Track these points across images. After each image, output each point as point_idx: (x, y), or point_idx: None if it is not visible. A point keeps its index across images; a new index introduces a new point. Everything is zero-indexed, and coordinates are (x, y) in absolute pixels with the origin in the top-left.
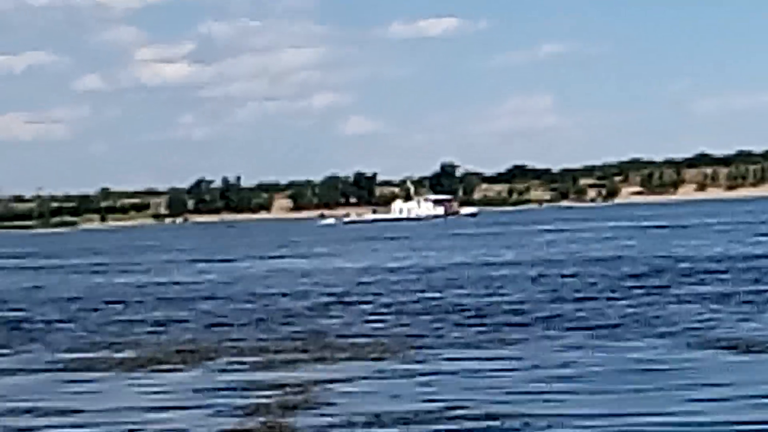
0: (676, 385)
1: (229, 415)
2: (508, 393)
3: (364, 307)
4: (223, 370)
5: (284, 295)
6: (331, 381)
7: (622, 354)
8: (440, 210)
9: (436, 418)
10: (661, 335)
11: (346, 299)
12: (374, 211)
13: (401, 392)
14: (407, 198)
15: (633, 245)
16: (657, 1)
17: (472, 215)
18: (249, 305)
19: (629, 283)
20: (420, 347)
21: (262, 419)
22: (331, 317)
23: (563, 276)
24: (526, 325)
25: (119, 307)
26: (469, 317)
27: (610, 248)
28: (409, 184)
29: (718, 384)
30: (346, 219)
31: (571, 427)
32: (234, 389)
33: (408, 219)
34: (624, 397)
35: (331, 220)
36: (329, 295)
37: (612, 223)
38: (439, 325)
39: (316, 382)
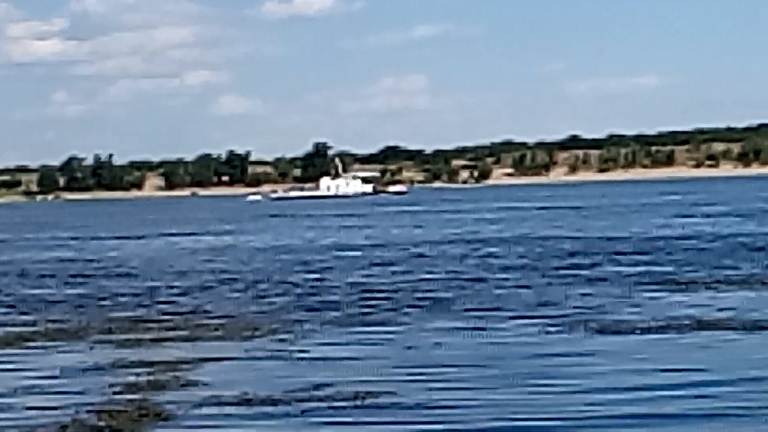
0: (529, 368)
1: (98, 393)
2: (378, 372)
3: (254, 286)
4: (92, 348)
5: (169, 273)
6: (202, 360)
7: (497, 336)
8: (369, 188)
9: (304, 397)
10: (542, 317)
11: (236, 277)
12: (302, 188)
13: (271, 371)
14: (336, 175)
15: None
16: None
17: (401, 193)
18: (134, 283)
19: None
20: (295, 327)
21: (130, 397)
22: (212, 296)
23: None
24: (414, 306)
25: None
26: (356, 298)
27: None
28: (337, 161)
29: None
30: (273, 195)
31: (439, 406)
32: (102, 368)
33: (336, 196)
34: (488, 377)
35: (257, 197)
36: (222, 272)
37: (540, 204)
38: (321, 305)
39: (186, 361)
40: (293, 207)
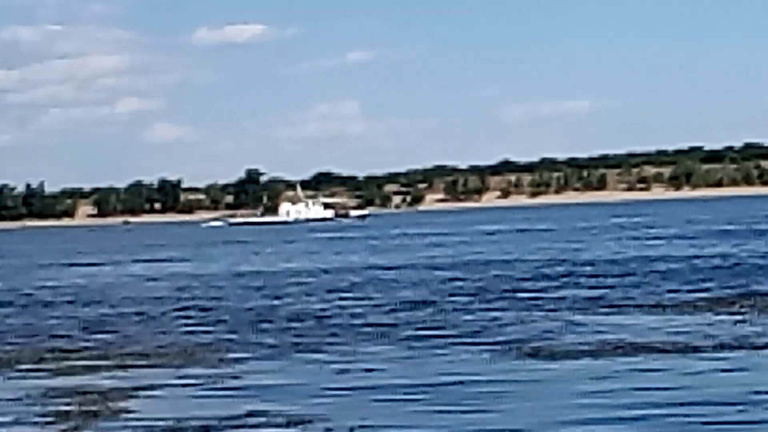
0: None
1: (29, 423)
2: (311, 398)
3: (187, 312)
4: (22, 377)
5: (99, 302)
6: (134, 388)
7: (436, 364)
8: (330, 213)
9: (238, 424)
10: (487, 345)
11: (168, 306)
12: (262, 214)
13: (204, 399)
14: (296, 200)
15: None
16: (465, 8)
17: (362, 217)
18: (70, 312)
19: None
20: (228, 354)
21: (62, 427)
22: (143, 323)
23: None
24: (355, 332)
25: None
26: (295, 323)
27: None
28: (298, 187)
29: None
30: (232, 220)
31: (373, 429)
32: (33, 396)
33: (296, 221)
34: (424, 406)
35: (218, 222)
36: (155, 299)
37: (485, 227)
38: (258, 331)
39: (119, 389)
40: (253, 233)
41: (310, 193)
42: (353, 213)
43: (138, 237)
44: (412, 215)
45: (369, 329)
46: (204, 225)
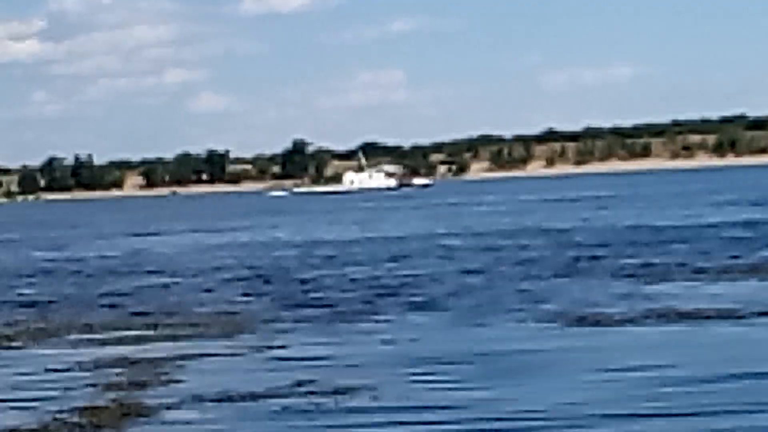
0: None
1: (80, 392)
2: (357, 368)
3: (240, 282)
4: (74, 347)
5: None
6: (182, 357)
7: (474, 333)
8: (393, 181)
9: (285, 393)
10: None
11: (225, 275)
12: (326, 183)
13: (251, 369)
14: (359, 169)
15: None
16: None
17: (426, 186)
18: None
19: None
20: (278, 324)
21: (112, 396)
22: (197, 292)
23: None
24: (397, 302)
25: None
26: (342, 294)
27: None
28: (361, 156)
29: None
30: (296, 190)
31: (420, 399)
32: (85, 367)
33: (360, 191)
34: (468, 374)
35: (282, 192)
36: (214, 269)
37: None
38: (309, 302)
39: (168, 359)
40: (316, 202)
41: (350, 164)
42: (416, 181)
43: (201, 207)
44: (474, 184)
45: (419, 299)
46: (268, 194)
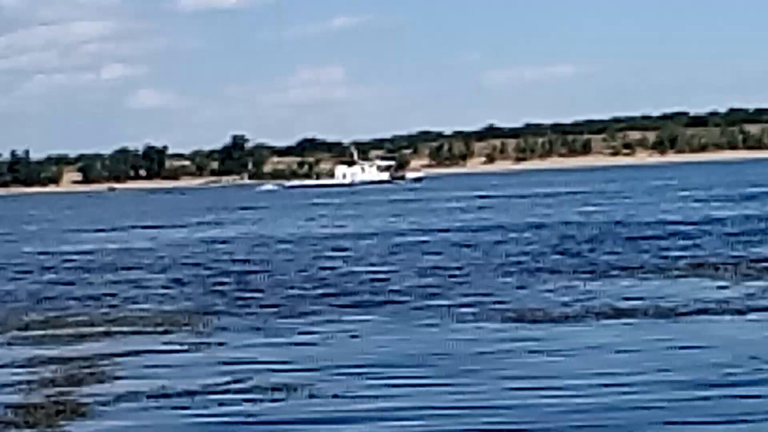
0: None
1: (15, 389)
2: (296, 365)
3: (183, 278)
4: (8, 344)
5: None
6: (118, 354)
7: (416, 332)
8: (385, 175)
9: (222, 390)
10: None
11: (176, 273)
12: (317, 176)
13: (189, 366)
14: (351, 163)
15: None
16: None
17: (419, 179)
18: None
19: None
20: (214, 321)
21: (48, 393)
22: (139, 290)
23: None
24: (342, 301)
25: None
26: (287, 291)
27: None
28: (352, 149)
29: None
30: (288, 184)
31: (356, 397)
32: (19, 364)
33: (351, 184)
34: (409, 374)
35: (272, 186)
36: (164, 266)
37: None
38: (251, 297)
39: (103, 356)
40: (306, 195)
41: (289, 160)
42: (409, 175)
43: (184, 202)
44: (466, 178)
45: (365, 297)
46: (258, 189)
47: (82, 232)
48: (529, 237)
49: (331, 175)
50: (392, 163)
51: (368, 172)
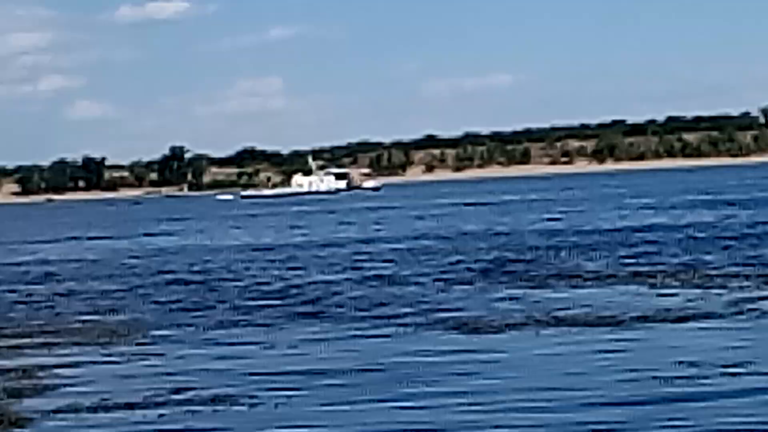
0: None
1: None
2: (236, 376)
3: (123, 289)
4: None
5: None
6: (58, 366)
7: (356, 343)
8: (342, 184)
9: (163, 401)
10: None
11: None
12: (274, 186)
13: (129, 377)
14: (308, 172)
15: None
16: None
17: (376, 189)
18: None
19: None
20: (159, 331)
21: None
22: (89, 300)
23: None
24: (283, 311)
25: None
26: (227, 301)
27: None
28: (309, 159)
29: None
30: (244, 193)
31: (294, 406)
32: None
33: (309, 193)
34: (348, 384)
35: (228, 196)
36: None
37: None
38: (201, 309)
39: (43, 367)
40: (263, 205)
41: (228, 170)
42: (366, 184)
43: (141, 212)
44: (428, 186)
45: (306, 308)
46: (215, 198)
47: (25, 243)
48: (479, 245)
49: (275, 185)
50: (348, 171)
51: (326, 181)
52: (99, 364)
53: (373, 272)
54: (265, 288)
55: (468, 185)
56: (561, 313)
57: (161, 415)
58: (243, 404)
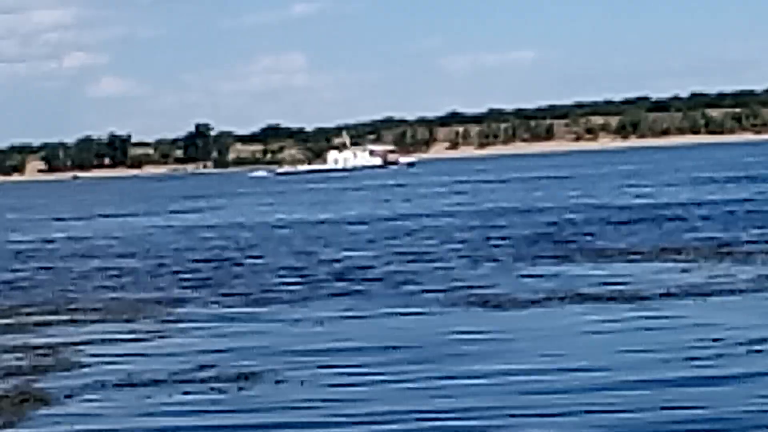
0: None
1: None
2: (261, 353)
3: (149, 267)
4: None
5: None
6: (83, 343)
7: (384, 316)
8: (377, 160)
9: (188, 378)
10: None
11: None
12: (309, 162)
13: (154, 354)
14: (343, 148)
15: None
16: None
17: (411, 164)
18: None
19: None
20: (179, 309)
21: (14, 382)
22: (106, 279)
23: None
24: (310, 289)
25: None
26: (253, 280)
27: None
28: (344, 133)
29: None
30: (279, 170)
31: (324, 385)
32: None
33: (344, 169)
34: (374, 361)
35: (263, 173)
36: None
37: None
38: (230, 286)
39: (68, 344)
40: (299, 181)
41: (252, 147)
42: (402, 160)
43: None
44: (457, 162)
45: (339, 286)
46: (249, 175)
47: (54, 220)
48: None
49: (310, 160)
50: (383, 147)
51: (360, 157)
52: (124, 342)
53: (391, 249)
54: (292, 267)
55: (513, 160)
56: (587, 290)
57: (186, 392)
58: (268, 381)
